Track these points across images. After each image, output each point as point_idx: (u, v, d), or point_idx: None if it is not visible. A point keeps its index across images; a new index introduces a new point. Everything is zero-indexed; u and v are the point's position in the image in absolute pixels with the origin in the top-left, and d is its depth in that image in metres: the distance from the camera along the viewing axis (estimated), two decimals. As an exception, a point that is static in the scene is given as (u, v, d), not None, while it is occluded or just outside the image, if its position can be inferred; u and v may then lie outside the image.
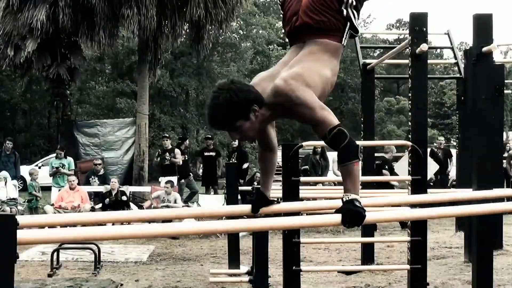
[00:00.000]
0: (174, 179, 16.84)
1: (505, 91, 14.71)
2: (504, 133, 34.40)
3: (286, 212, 4.52)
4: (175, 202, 14.79)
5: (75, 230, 3.18)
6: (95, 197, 16.66)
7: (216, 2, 19.71)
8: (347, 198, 3.56)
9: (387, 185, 14.02)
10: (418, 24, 7.09)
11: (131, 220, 5.21)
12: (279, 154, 4.90)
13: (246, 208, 4.10)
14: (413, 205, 6.06)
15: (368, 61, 10.57)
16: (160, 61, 21.56)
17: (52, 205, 15.16)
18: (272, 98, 3.65)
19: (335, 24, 3.85)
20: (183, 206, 15.68)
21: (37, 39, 19.23)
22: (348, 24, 3.88)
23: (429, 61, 8.16)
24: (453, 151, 17.30)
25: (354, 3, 3.87)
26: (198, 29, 20.59)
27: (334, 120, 3.59)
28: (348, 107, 43.53)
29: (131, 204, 15.68)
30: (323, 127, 3.58)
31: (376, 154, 12.47)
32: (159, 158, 17.43)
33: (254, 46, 37.75)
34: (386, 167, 15.39)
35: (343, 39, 3.91)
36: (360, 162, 3.65)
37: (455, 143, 19.20)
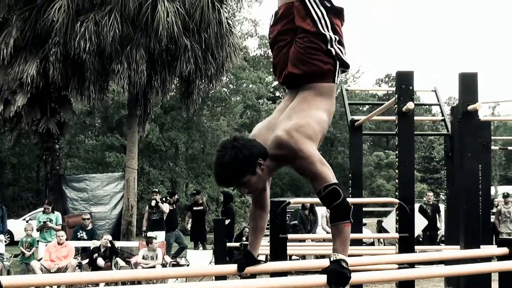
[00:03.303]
0: (162, 234, 16.73)
1: (493, 147, 14.85)
2: (493, 188, 34.53)
3: (273, 272, 4.49)
4: (156, 257, 14.66)
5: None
6: (83, 252, 16.48)
7: (206, 57, 19.86)
8: (334, 258, 3.56)
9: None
10: (404, 82, 7.17)
11: (116, 280, 5.15)
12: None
13: (233, 268, 4.07)
14: (401, 264, 6.03)
15: (356, 117, 10.65)
16: (149, 115, 21.59)
17: (40, 260, 14.99)
18: (275, 150, 3.70)
19: (325, 67, 3.90)
20: (170, 262, 15.55)
21: (27, 94, 19.27)
22: (338, 62, 3.94)
23: (416, 118, 8.23)
24: (442, 206, 17.30)
25: (337, 38, 3.93)
26: (188, 84, 20.71)
27: (331, 177, 3.63)
28: (337, 161, 43.61)
29: (118, 260, 15.50)
30: (319, 183, 3.62)
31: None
32: (148, 217, 17.41)
33: (244, 100, 37.90)
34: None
35: (336, 78, 3.97)
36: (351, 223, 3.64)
37: (444, 198, 19.21)
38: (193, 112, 26.74)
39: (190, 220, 18.52)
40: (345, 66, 3.99)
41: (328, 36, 3.90)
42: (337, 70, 3.95)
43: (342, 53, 3.95)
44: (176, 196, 19.28)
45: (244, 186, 3.69)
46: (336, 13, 4.00)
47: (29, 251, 15.81)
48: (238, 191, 4.26)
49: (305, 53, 3.89)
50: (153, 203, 17.27)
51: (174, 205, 18.46)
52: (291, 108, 3.88)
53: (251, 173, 3.63)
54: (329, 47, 3.90)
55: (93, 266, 14.58)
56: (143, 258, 14.76)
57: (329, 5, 3.96)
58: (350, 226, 3.62)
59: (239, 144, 3.60)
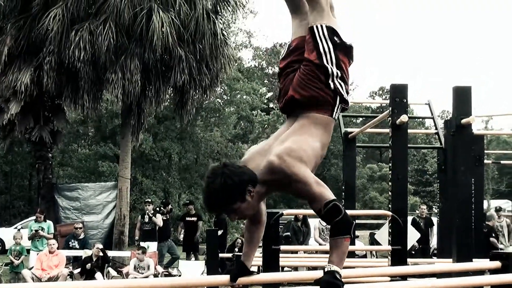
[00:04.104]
0: (154, 244, 16.69)
1: (486, 161, 14.88)
2: (485, 202, 34.59)
3: (265, 283, 4.48)
4: (148, 268, 14.61)
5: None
6: (74, 261, 16.42)
7: (200, 68, 19.89)
8: (328, 269, 3.57)
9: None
10: (398, 95, 7.19)
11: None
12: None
13: (225, 278, 4.06)
14: (393, 277, 6.03)
15: (349, 129, 10.68)
16: (143, 125, 21.59)
17: (31, 269, 14.93)
18: (267, 175, 3.69)
19: (324, 98, 3.92)
20: (162, 272, 15.50)
21: (21, 102, 19.25)
22: (338, 97, 3.96)
23: (409, 131, 8.25)
24: (435, 219, 17.29)
25: (340, 74, 3.95)
26: (182, 94, 20.73)
27: (329, 195, 3.64)
28: (330, 173, 43.63)
29: (110, 269, 15.44)
30: (318, 202, 3.62)
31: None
32: (140, 227, 17.34)
33: (238, 111, 37.92)
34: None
35: (334, 113, 3.98)
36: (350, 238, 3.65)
37: (436, 211, 19.23)
38: (187, 123, 26.74)
39: (183, 230, 18.47)
40: (345, 103, 4.01)
41: (330, 70, 3.92)
42: (336, 105, 3.97)
43: (342, 89, 3.96)
44: (169, 206, 19.25)
45: (234, 213, 3.71)
46: (345, 51, 4.05)
47: (18, 260, 15.73)
48: (228, 218, 4.25)
49: (306, 79, 3.93)
50: (146, 218, 17.19)
51: (168, 215, 18.41)
52: (286, 134, 3.90)
53: (241, 200, 3.63)
54: (329, 80, 3.92)
55: (85, 276, 14.53)
56: (135, 268, 14.71)
57: (338, 41, 4.00)
58: (349, 241, 3.65)
59: (229, 171, 3.61)
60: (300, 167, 3.62)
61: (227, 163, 3.75)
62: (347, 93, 4.03)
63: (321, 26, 3.99)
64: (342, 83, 3.97)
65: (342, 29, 4.08)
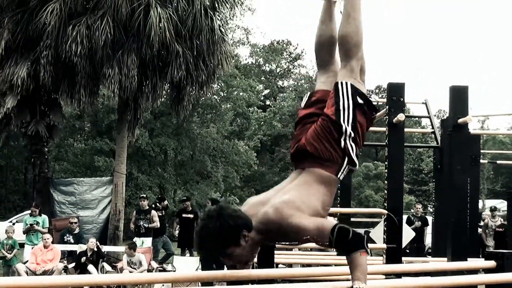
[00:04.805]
0: (149, 240, 16.66)
1: (482, 161, 14.89)
2: (480, 202, 34.65)
3: (260, 279, 4.47)
4: (140, 264, 14.58)
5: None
6: (69, 256, 16.39)
7: (197, 64, 19.88)
8: (357, 286, 3.49)
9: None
10: (395, 94, 7.20)
11: (102, 284, 5.13)
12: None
13: (219, 274, 4.05)
14: (388, 274, 6.03)
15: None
16: (139, 120, 21.59)
17: (25, 263, 14.90)
18: (263, 225, 3.66)
19: (332, 154, 3.87)
20: (157, 267, 15.48)
21: (17, 96, 19.22)
22: (347, 158, 3.91)
23: (406, 130, 8.25)
24: (429, 218, 17.31)
25: (353, 135, 3.90)
26: (179, 90, 20.72)
27: (330, 224, 3.58)
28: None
29: (105, 264, 15.43)
30: (325, 238, 3.56)
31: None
32: (135, 224, 17.25)
33: (234, 108, 37.91)
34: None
35: (340, 173, 3.94)
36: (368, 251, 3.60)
37: (431, 210, 19.24)
38: (183, 119, 26.75)
39: (178, 226, 18.44)
40: (353, 165, 3.97)
41: (344, 128, 3.87)
42: (343, 166, 3.92)
43: (352, 150, 3.91)
44: (165, 202, 19.21)
45: (228, 258, 3.68)
46: (365, 114, 4.01)
47: (10, 253, 15.71)
48: (223, 262, 4.20)
49: (320, 133, 3.89)
50: (142, 214, 17.11)
51: (163, 212, 18.36)
52: (287, 188, 3.86)
53: (235, 244, 3.59)
54: (341, 139, 3.88)
55: (80, 270, 14.50)
56: (128, 264, 14.67)
57: (360, 102, 3.96)
58: (366, 254, 3.57)
59: (224, 214, 3.57)
60: (295, 217, 3.58)
61: (223, 206, 3.72)
62: (357, 156, 3.98)
63: (346, 83, 3.97)
64: (353, 145, 3.91)
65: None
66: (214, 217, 3.56)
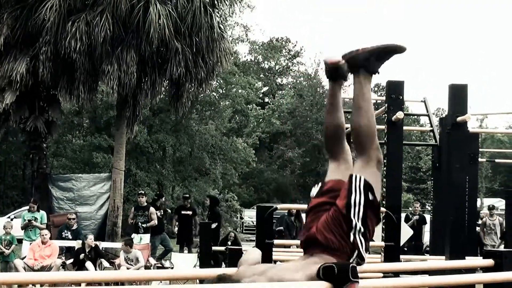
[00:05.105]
0: (147, 236, 16.68)
1: (480, 159, 14.91)
2: (479, 200, 34.68)
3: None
4: (137, 260, 14.59)
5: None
6: (67, 252, 16.41)
7: (196, 61, 19.85)
8: None
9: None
10: (394, 92, 7.20)
11: (100, 280, 5.13)
12: (253, 214, 4.88)
13: (218, 271, 4.06)
14: (386, 273, 6.03)
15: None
16: (138, 117, 21.55)
17: (23, 258, 14.92)
18: None
19: (342, 246, 3.84)
20: (155, 264, 15.50)
21: (16, 92, 19.19)
22: (356, 252, 3.88)
23: (405, 128, 8.25)
24: (427, 217, 17.34)
25: (363, 230, 3.88)
26: (178, 87, 20.68)
27: (315, 268, 3.60)
28: (325, 168, 43.50)
29: (103, 261, 15.43)
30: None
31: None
32: (134, 220, 17.24)
33: (233, 105, 37.91)
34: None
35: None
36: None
37: (429, 208, 19.25)
38: (182, 115, 26.73)
39: (177, 223, 18.46)
40: (361, 259, 3.93)
41: (354, 223, 3.85)
42: (353, 257, 3.87)
43: (361, 245, 3.87)
44: (163, 199, 19.22)
45: None
46: (374, 210, 3.98)
47: (8, 249, 15.72)
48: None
49: (331, 224, 3.87)
50: (140, 211, 17.12)
51: (161, 209, 18.36)
52: (290, 263, 3.90)
53: None
54: (351, 233, 3.85)
55: (78, 266, 14.52)
56: (125, 261, 14.68)
57: (371, 198, 3.93)
58: (356, 286, 3.57)
59: None
60: (287, 275, 3.62)
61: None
62: (367, 250, 3.96)
63: (360, 178, 3.93)
64: (363, 240, 3.88)
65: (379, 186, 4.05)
66: None
